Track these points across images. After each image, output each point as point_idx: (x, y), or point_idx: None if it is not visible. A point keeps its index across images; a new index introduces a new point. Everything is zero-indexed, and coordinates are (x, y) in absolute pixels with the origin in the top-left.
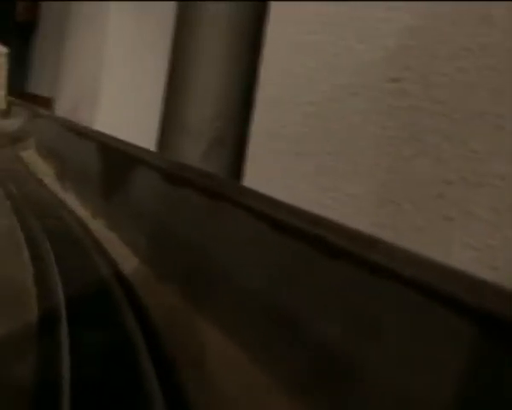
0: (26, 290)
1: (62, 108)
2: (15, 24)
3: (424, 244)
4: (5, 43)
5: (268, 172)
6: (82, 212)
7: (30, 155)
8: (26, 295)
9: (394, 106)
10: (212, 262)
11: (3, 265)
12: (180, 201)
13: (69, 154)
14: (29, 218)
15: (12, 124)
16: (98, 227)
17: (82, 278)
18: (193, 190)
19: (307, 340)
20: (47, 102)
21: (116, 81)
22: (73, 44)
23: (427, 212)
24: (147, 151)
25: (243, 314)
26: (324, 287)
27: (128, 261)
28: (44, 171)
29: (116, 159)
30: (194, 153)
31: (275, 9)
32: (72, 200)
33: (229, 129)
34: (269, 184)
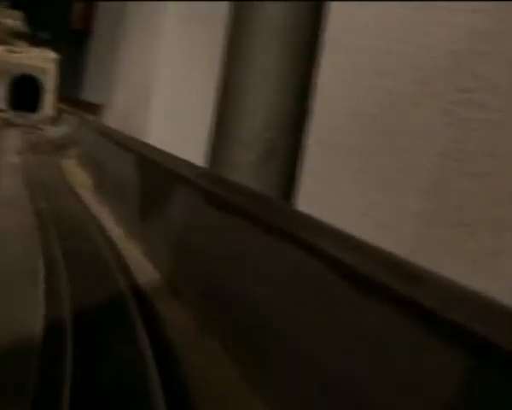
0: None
1: (114, 116)
2: (70, 32)
3: (500, 272)
4: (59, 51)
5: (323, 186)
6: (115, 231)
7: (70, 165)
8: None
9: (462, 117)
10: (247, 300)
11: (10, 299)
12: (223, 226)
13: (108, 165)
14: (53, 240)
15: (58, 131)
16: (130, 250)
17: (96, 292)
18: (238, 217)
19: None
20: (98, 110)
21: (168, 90)
22: (127, 53)
23: (503, 235)
24: (190, 166)
25: (264, 355)
26: None
27: (156, 287)
28: (82, 182)
29: (155, 174)
30: (244, 164)
31: (334, 12)
32: (106, 216)
33: (281, 140)
34: (324, 197)
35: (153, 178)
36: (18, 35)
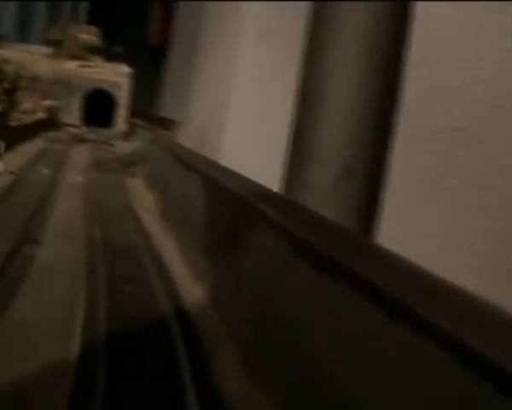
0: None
1: (189, 132)
2: (147, 48)
3: None
4: (135, 67)
5: (407, 206)
6: (179, 270)
7: (136, 184)
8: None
9: None
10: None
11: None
12: (308, 279)
13: (177, 187)
14: (99, 280)
15: (128, 147)
16: (192, 296)
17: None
18: (330, 271)
19: None
20: (172, 125)
21: (244, 107)
22: (203, 70)
23: None
24: (268, 196)
25: None
26: None
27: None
28: (147, 205)
29: (227, 203)
30: (322, 183)
31: (420, 14)
32: (170, 248)
33: (362, 157)
34: (407, 221)
35: (225, 208)
36: (92, 50)
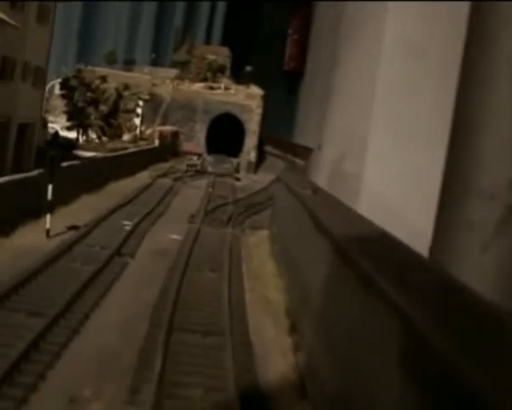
0: None
1: (326, 158)
2: (283, 73)
3: None
4: (270, 90)
5: None
6: None
7: (257, 245)
8: None
9: None
10: None
11: None
12: None
13: (309, 257)
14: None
15: (255, 183)
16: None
17: None
18: None
19: None
20: (307, 154)
21: (387, 133)
22: (340, 95)
23: None
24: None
25: None
26: None
27: None
28: (272, 283)
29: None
30: (488, 220)
31: None
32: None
33: None
34: None
35: (354, 289)
36: (221, 71)
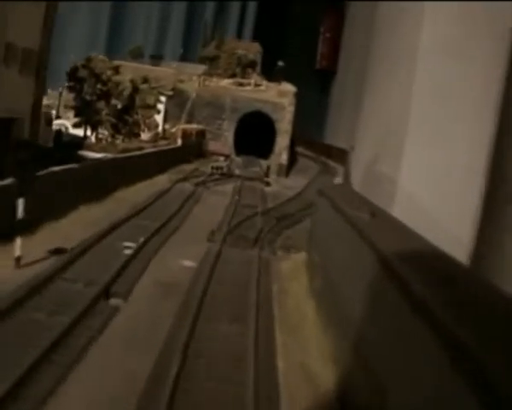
0: None
1: (360, 159)
2: (315, 72)
3: None
4: (302, 90)
5: None
6: None
7: (292, 275)
8: None
9: None
10: None
11: None
12: None
13: (373, 316)
14: None
15: (287, 188)
16: None
17: None
18: None
19: None
20: (342, 156)
21: (424, 133)
22: (373, 97)
23: None
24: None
25: None
26: None
27: None
28: (313, 343)
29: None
30: None
31: None
32: None
33: None
34: None
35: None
36: (251, 66)
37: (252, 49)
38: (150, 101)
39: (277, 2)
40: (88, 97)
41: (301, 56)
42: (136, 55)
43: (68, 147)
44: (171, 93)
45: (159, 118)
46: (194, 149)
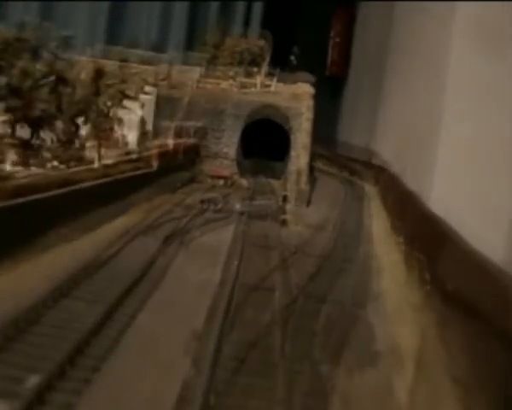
0: None
1: (382, 160)
2: (326, 77)
3: None
4: (316, 93)
5: None
6: None
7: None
8: None
9: None
10: None
11: None
12: None
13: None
14: None
15: (311, 226)
16: None
17: None
18: None
19: None
20: (370, 171)
21: (456, 140)
22: (391, 103)
23: None
24: None
25: None
26: None
27: None
28: None
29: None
30: None
31: None
32: None
33: None
34: None
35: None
36: (257, 62)
37: (257, 45)
38: (104, 106)
39: (284, 6)
40: None
41: (310, 63)
42: (131, 46)
43: None
44: (135, 96)
45: (125, 129)
46: (180, 172)
